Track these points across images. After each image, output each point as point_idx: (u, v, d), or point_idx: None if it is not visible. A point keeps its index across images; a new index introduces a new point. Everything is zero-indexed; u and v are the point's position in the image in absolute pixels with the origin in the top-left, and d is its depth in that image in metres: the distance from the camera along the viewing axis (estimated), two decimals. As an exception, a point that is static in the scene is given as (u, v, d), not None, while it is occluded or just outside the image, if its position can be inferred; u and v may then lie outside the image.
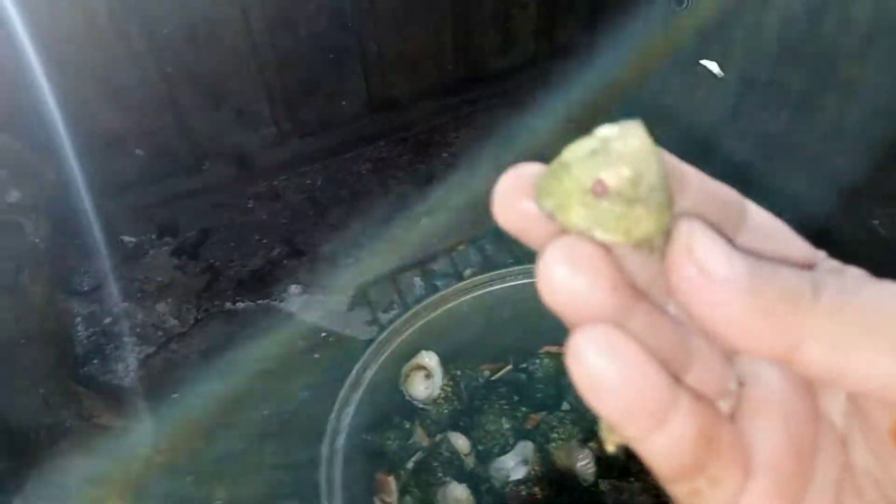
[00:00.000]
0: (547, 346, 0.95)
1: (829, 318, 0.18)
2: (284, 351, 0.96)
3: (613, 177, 0.18)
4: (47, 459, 0.75)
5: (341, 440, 0.78)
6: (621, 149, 0.19)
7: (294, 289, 1.12)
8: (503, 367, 0.95)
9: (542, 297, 0.19)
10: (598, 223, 0.19)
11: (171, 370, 0.96)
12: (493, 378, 0.94)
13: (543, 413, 0.89)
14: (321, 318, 1.07)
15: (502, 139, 1.36)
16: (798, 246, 0.22)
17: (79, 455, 0.78)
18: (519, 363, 0.95)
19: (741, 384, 0.22)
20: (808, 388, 0.21)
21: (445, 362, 0.90)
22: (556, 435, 0.85)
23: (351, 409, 0.81)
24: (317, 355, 0.97)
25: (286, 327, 1.01)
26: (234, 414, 0.91)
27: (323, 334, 1.01)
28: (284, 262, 1.18)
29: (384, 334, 0.85)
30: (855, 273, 0.21)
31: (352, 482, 0.78)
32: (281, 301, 1.09)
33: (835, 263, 0.22)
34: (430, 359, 0.86)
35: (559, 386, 0.90)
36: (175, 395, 0.93)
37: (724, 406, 0.22)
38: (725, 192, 0.22)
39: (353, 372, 0.82)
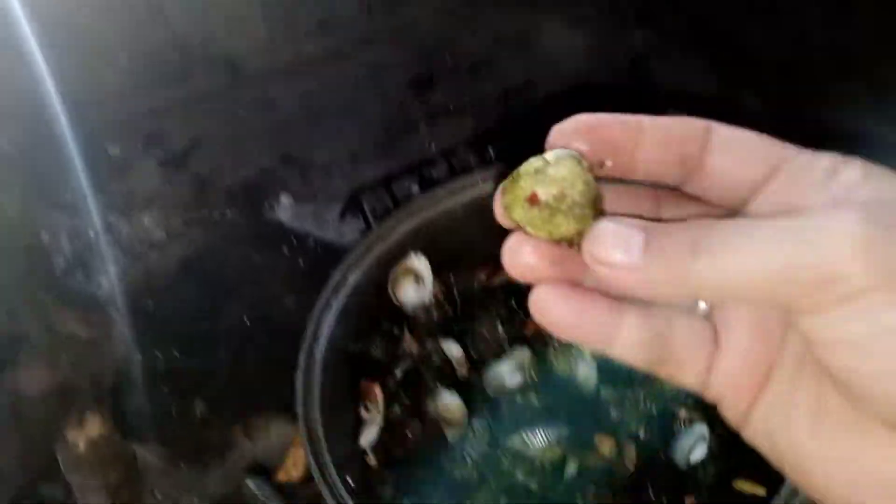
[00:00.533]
0: (549, 250, 0.88)
1: (707, 271, 0.22)
2: (270, 260, 0.91)
3: (544, 193, 0.25)
4: (9, 370, 0.71)
5: (321, 346, 0.73)
6: (554, 173, 0.25)
7: (285, 198, 1.06)
8: (501, 272, 0.89)
9: (509, 272, 0.27)
10: (530, 223, 0.26)
11: (150, 280, 0.91)
12: (490, 283, 0.87)
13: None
14: (311, 226, 1.00)
15: (510, 42, 1.26)
16: (766, 148, 0.26)
17: (45, 367, 0.74)
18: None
19: None
20: None
21: (438, 266, 0.83)
22: (555, 342, 0.78)
23: (333, 314, 0.75)
24: (302, 262, 0.92)
25: (274, 236, 0.94)
26: (214, 323, 0.86)
27: (312, 242, 0.95)
28: (276, 171, 1.11)
29: (370, 235, 0.79)
30: (823, 164, 0.24)
31: (332, 390, 0.73)
32: (271, 210, 1.03)
33: (805, 158, 0.25)
34: (419, 261, 0.80)
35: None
36: (152, 304, 0.88)
37: (704, 304, 0.27)
38: (686, 123, 0.26)
39: (336, 273, 0.76)
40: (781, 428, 0.25)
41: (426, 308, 0.79)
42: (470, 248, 0.86)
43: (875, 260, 0.20)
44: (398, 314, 0.81)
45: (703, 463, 0.69)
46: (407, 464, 0.74)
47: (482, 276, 0.87)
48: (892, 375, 0.21)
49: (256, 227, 0.98)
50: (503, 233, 0.27)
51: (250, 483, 0.56)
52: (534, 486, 0.72)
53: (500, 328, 0.78)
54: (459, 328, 0.83)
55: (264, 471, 0.81)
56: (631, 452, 0.73)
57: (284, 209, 1.04)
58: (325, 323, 0.74)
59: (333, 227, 1.01)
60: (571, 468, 0.74)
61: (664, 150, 0.26)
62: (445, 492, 0.71)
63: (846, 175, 0.23)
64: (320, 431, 0.67)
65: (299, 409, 0.67)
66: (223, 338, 0.85)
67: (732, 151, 0.26)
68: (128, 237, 1.01)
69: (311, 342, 0.73)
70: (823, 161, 0.24)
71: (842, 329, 0.21)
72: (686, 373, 0.27)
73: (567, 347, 0.78)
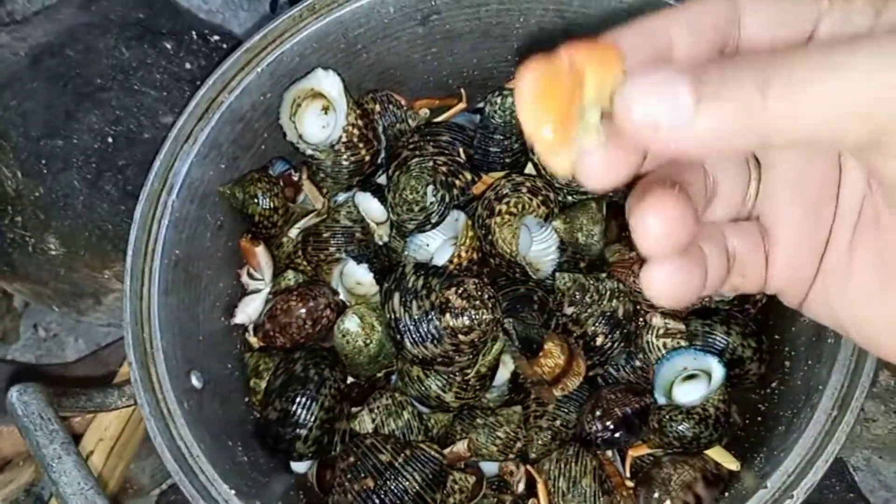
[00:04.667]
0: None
1: (783, 110, 0.19)
2: (146, 56, 0.67)
3: None
4: None
5: (175, 193, 0.53)
6: None
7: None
8: (451, 105, 0.66)
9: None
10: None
11: (-8, 71, 0.69)
12: (435, 119, 0.65)
13: (496, 175, 0.61)
14: (204, 10, 0.76)
15: None
16: (797, 6, 0.24)
17: None
18: (474, 100, 0.66)
19: (761, 168, 0.27)
20: (825, 154, 0.25)
21: (357, 89, 0.61)
22: (503, 207, 0.58)
23: (196, 147, 0.54)
24: (190, 63, 0.68)
25: (154, 22, 0.70)
26: (67, 135, 0.65)
27: (196, 35, 0.71)
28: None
29: (258, 36, 0.55)
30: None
31: (188, 251, 0.54)
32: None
33: (840, 3, 0.23)
34: (329, 83, 0.57)
35: (524, 139, 0.61)
36: (-8, 106, 0.67)
37: (749, 201, 0.27)
38: (711, 5, 0.24)
39: (202, 91, 0.54)
40: (840, 297, 0.26)
41: (335, 149, 0.58)
42: (407, 66, 0.63)
43: None
44: (295, 154, 0.59)
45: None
46: (292, 352, 0.57)
47: (423, 110, 0.64)
48: None
49: (133, 7, 0.73)
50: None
51: (13, 394, 0.39)
52: (450, 398, 0.55)
53: (432, 184, 0.57)
54: (379, 179, 0.62)
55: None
56: (580, 366, 0.56)
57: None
58: (183, 160, 0.53)
59: (230, 10, 0.77)
60: (503, 375, 0.57)
61: (699, 39, 0.24)
62: (332, 397, 0.54)
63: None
64: (155, 308, 0.49)
65: (126, 285, 0.49)
66: (78, 158, 0.65)
67: (764, 20, 0.24)
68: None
69: (160, 186, 0.52)
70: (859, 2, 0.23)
71: None
72: (750, 280, 0.27)
73: (518, 216, 0.58)
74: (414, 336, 0.52)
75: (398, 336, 0.53)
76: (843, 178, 0.25)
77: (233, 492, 0.43)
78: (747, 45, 0.24)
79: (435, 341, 0.52)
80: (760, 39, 0.24)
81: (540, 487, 0.54)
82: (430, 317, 0.52)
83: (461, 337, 0.52)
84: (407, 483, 0.49)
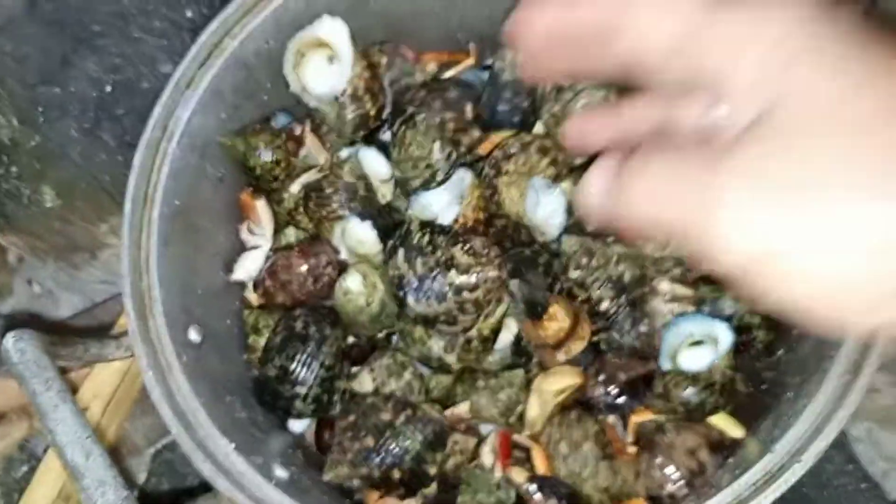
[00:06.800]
0: (528, 36, 0.62)
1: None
2: (145, 2, 0.65)
3: None
4: None
5: (175, 141, 0.51)
6: None
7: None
8: (460, 61, 0.64)
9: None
10: None
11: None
12: (439, 75, 0.63)
13: (504, 134, 0.60)
14: None
15: None
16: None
17: None
18: (483, 56, 0.64)
19: None
20: None
21: (364, 40, 0.59)
22: (511, 167, 0.57)
23: (196, 95, 0.52)
24: (191, 11, 0.66)
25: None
26: (64, 82, 0.63)
27: None
28: None
29: (263, -18, 0.53)
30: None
31: (187, 204, 0.52)
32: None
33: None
34: (334, 31, 0.55)
35: (535, 97, 0.60)
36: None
37: None
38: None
39: (205, 36, 0.52)
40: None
41: (339, 102, 0.56)
42: (416, 17, 0.61)
43: None
44: (298, 106, 0.58)
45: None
46: (292, 310, 0.56)
47: (431, 63, 0.63)
48: None
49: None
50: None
51: (8, 340, 0.38)
52: (452, 359, 0.54)
53: (439, 140, 0.56)
54: (389, 134, 0.61)
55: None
56: (584, 330, 0.55)
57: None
58: (184, 107, 0.52)
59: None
60: (506, 338, 0.56)
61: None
62: (333, 355, 0.53)
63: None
64: (153, 258, 0.47)
65: (124, 234, 0.47)
66: (75, 107, 0.63)
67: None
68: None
69: (160, 133, 0.51)
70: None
71: None
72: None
73: (525, 175, 0.57)
74: (418, 293, 0.51)
75: (401, 293, 0.52)
76: None
77: (232, 445, 0.42)
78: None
79: (439, 298, 0.51)
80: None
81: (536, 452, 0.53)
82: (434, 273, 0.51)
83: (466, 294, 0.51)
84: (408, 443, 0.49)
